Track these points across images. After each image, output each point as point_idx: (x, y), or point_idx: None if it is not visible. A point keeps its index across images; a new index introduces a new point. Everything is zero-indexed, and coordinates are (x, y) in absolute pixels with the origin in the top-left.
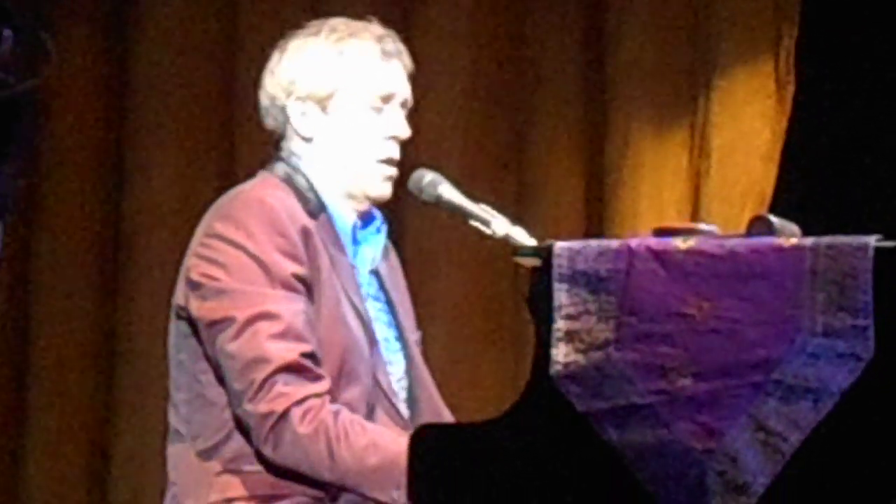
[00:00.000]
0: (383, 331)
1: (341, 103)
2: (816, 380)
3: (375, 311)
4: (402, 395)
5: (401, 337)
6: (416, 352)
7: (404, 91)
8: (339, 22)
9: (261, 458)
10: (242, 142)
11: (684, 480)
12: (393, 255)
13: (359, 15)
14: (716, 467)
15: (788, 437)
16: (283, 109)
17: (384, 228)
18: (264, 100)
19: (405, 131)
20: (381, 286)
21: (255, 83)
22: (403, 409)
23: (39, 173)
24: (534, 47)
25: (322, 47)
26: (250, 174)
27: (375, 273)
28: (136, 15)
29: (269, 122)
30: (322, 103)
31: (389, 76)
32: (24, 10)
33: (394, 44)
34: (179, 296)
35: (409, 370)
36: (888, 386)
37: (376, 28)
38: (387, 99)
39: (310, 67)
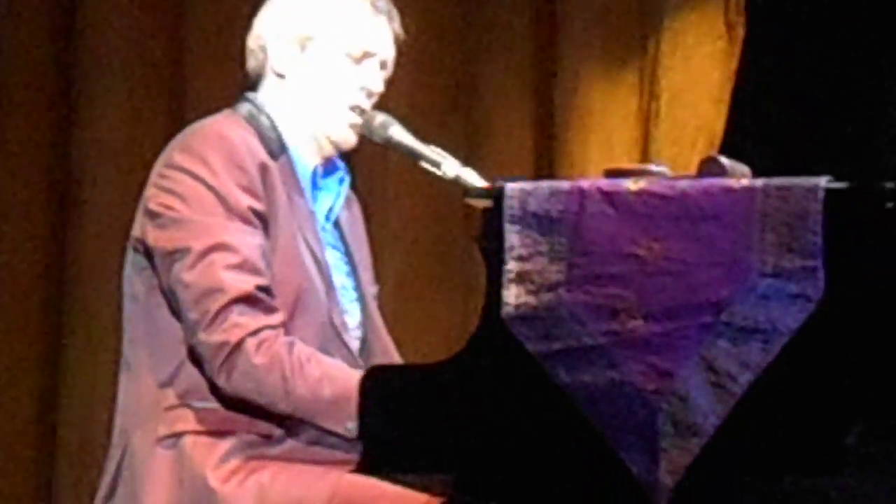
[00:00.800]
0: (341, 279)
1: (320, 46)
2: (766, 320)
3: (334, 259)
4: (356, 345)
5: (358, 288)
6: (373, 305)
7: (386, 51)
8: None
9: (213, 391)
10: (192, 81)
11: (635, 421)
12: (356, 208)
13: None
14: (666, 408)
15: (738, 378)
16: (264, 48)
17: (347, 179)
18: (250, 41)
19: (378, 86)
20: (341, 237)
21: (204, 23)
22: (357, 352)
23: None
24: None
25: None
26: (200, 114)
27: (336, 224)
28: None
29: (251, 63)
30: (302, 43)
31: (374, 31)
32: None
33: (386, 4)
34: (137, 227)
35: (364, 322)
36: (838, 326)
37: None
38: (367, 53)
39: (297, 8)
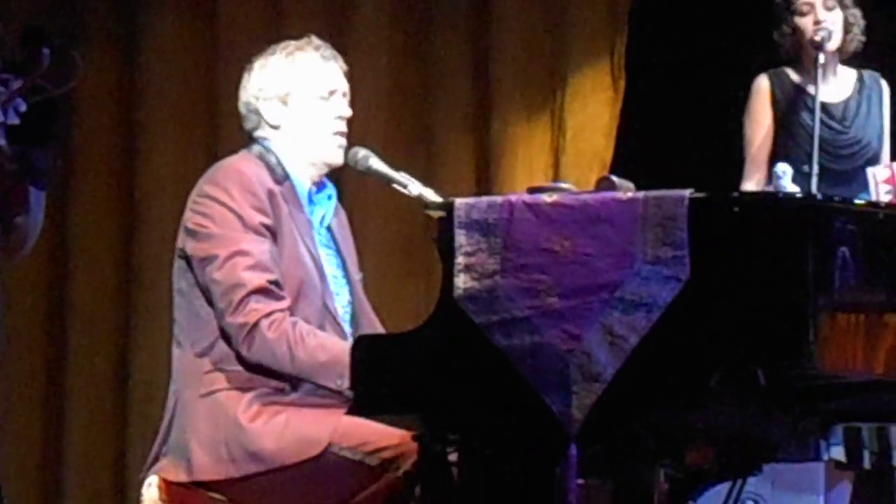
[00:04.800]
0: (332, 270)
1: (297, 97)
2: (648, 296)
3: (326, 255)
4: (347, 317)
5: (346, 276)
6: (358, 287)
7: (342, 84)
8: (287, 42)
9: (238, 359)
10: (223, 131)
11: (553, 372)
12: (342, 215)
13: (310, 31)
14: (576, 362)
15: (629, 339)
16: (256, 111)
17: (334, 195)
18: (241, 108)
19: (347, 111)
20: (333, 238)
21: (233, 84)
22: (346, 327)
23: (71, 157)
24: (435, 56)
25: (278, 61)
26: (229, 153)
27: (329, 228)
28: (140, 36)
29: (248, 124)
30: (283, 99)
31: (330, 74)
32: (58, 33)
33: (330, 50)
34: (179, 241)
35: (352, 300)
36: (700, 299)
37: (315, 41)
38: (331, 91)
39: (271, 76)
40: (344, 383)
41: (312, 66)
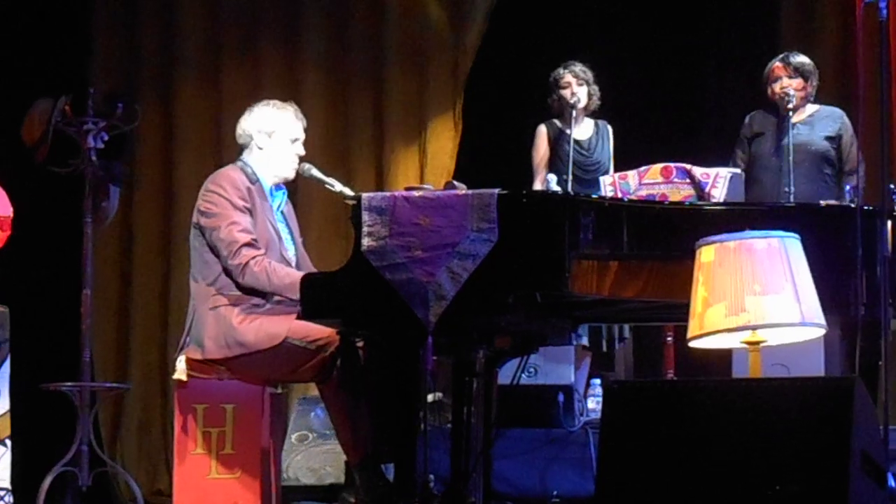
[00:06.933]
0: (285, 236)
1: (278, 135)
2: (473, 251)
3: (282, 227)
4: (293, 263)
5: (293, 240)
6: (300, 246)
7: (302, 135)
8: (275, 101)
9: (235, 286)
10: (223, 152)
11: (419, 294)
12: (290, 205)
13: (278, 95)
14: (431, 289)
15: (462, 275)
16: (250, 136)
17: (286, 192)
18: (240, 130)
19: (302, 152)
20: (285, 218)
21: (230, 125)
22: (296, 269)
23: (134, 167)
24: (351, 109)
25: (270, 109)
26: (224, 164)
27: (283, 213)
28: (172, 96)
29: (241, 142)
30: (269, 134)
31: (297, 126)
32: (125, 94)
33: (300, 111)
34: (194, 217)
35: (296, 253)
36: (501, 252)
37: (292, 105)
38: (296, 139)
39: (264, 116)
40: (299, 297)
41: (289, 119)
